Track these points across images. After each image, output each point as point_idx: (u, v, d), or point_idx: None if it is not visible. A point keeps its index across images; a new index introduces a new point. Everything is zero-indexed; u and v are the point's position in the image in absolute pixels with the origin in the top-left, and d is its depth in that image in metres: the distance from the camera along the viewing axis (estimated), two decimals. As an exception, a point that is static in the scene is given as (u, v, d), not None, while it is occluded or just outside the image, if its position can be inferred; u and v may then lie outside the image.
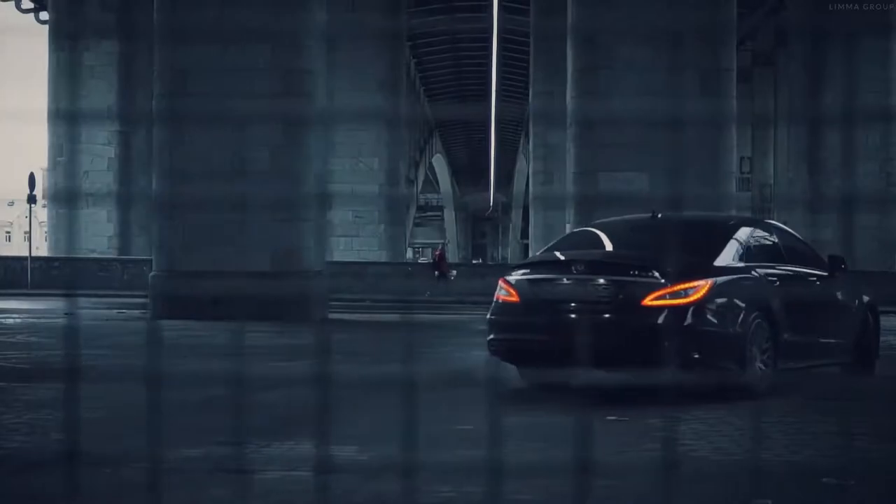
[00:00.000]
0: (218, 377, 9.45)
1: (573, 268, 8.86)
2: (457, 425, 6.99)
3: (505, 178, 77.24)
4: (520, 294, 8.91)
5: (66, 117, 39.03)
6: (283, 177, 21.76)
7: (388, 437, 6.44)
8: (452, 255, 79.58)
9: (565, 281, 8.81)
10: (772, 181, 48.07)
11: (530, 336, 8.85)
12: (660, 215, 9.86)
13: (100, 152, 38.11)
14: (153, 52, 23.29)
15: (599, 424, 7.07)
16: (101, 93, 38.00)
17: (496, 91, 54.90)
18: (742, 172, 47.81)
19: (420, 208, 74.60)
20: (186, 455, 5.78)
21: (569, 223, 22.74)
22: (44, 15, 42.98)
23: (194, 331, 16.84)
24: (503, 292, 9.08)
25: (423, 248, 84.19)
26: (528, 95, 47.18)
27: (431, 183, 75.56)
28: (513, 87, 59.43)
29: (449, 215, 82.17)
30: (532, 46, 37.77)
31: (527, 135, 57.38)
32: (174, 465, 5.46)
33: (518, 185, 71.53)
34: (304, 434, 6.55)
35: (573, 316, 8.56)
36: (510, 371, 9.55)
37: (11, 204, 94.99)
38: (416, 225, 79.84)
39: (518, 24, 44.25)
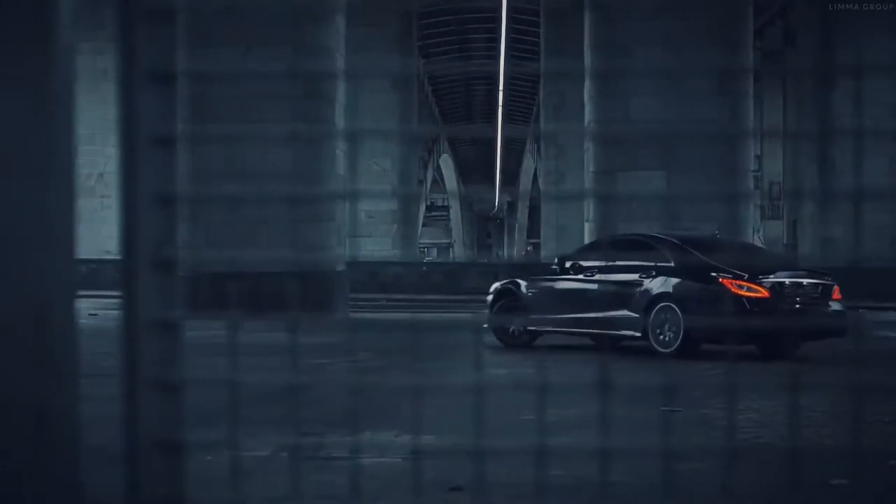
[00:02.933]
0: (261, 374, 9.65)
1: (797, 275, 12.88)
2: (520, 416, 7.19)
3: (511, 177, 77.43)
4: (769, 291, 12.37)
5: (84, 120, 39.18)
6: (305, 177, 22.02)
7: (458, 427, 6.64)
8: (459, 255, 79.77)
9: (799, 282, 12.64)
10: (780, 179, 48.24)
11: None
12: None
13: (115, 154, 38.27)
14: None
15: (657, 415, 7.27)
16: (115, 95, 38.16)
17: (503, 92, 55.00)
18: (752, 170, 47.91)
19: (427, 208, 74.80)
20: (277, 444, 5.99)
21: (588, 221, 22.94)
22: None
23: (219, 330, 16.98)
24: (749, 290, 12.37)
25: (428, 248, 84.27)
26: (535, 94, 47.39)
27: (438, 183, 75.72)
28: (520, 87, 59.55)
29: (455, 215, 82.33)
30: (542, 48, 37.93)
31: (535, 134, 57.58)
32: (268, 455, 5.67)
33: (524, 184, 71.65)
34: (378, 425, 6.76)
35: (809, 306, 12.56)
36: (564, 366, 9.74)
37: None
38: (423, 225, 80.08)
39: (527, 12, 44.28)
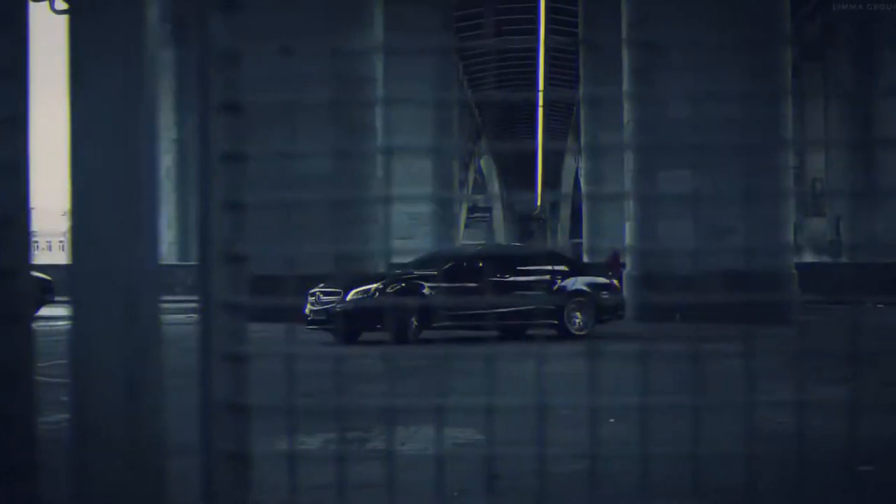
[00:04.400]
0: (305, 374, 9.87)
1: None
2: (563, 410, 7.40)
3: (553, 176, 77.50)
4: None
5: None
6: (346, 180, 22.35)
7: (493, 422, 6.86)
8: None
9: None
10: (822, 176, 48.11)
11: None
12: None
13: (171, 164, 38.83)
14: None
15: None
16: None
17: (543, 90, 55.14)
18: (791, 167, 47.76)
19: (469, 210, 74.97)
20: (322, 438, 6.25)
21: (628, 221, 23.07)
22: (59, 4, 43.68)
23: (259, 333, 17.32)
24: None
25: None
26: (575, 92, 47.48)
27: (479, 184, 75.94)
28: (560, 80, 59.58)
29: (497, 216, 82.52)
30: (580, 47, 38.03)
31: (575, 133, 57.66)
32: (311, 448, 5.93)
33: (566, 184, 71.73)
34: (417, 421, 7.00)
35: None
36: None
37: (65, 214, 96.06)
38: (466, 226, 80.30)
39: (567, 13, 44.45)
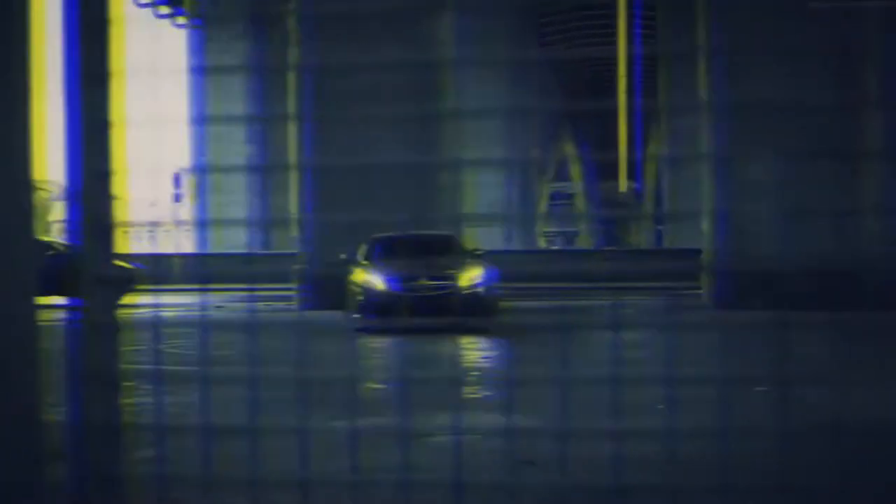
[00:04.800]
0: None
1: None
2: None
3: (637, 164, 76.83)
4: None
5: (208, 120, 40.07)
6: (417, 170, 22.35)
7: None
8: (585, 243, 79.54)
9: None
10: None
11: None
12: None
13: (241, 151, 39.13)
14: (288, 51, 23.98)
15: (748, 394, 7.28)
16: (239, 93, 38.98)
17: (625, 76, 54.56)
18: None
19: (551, 197, 74.62)
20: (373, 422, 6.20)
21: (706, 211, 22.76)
22: (162, 9, 44.34)
23: (338, 321, 17.41)
24: None
25: (554, 236, 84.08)
26: (655, 75, 47.00)
27: (562, 172, 75.56)
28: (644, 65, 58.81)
29: (580, 204, 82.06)
30: (660, 33, 37.62)
31: (659, 120, 57.04)
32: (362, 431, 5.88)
33: (650, 171, 71.06)
34: (472, 407, 6.92)
35: None
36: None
37: (154, 204, 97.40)
38: (549, 215, 79.86)
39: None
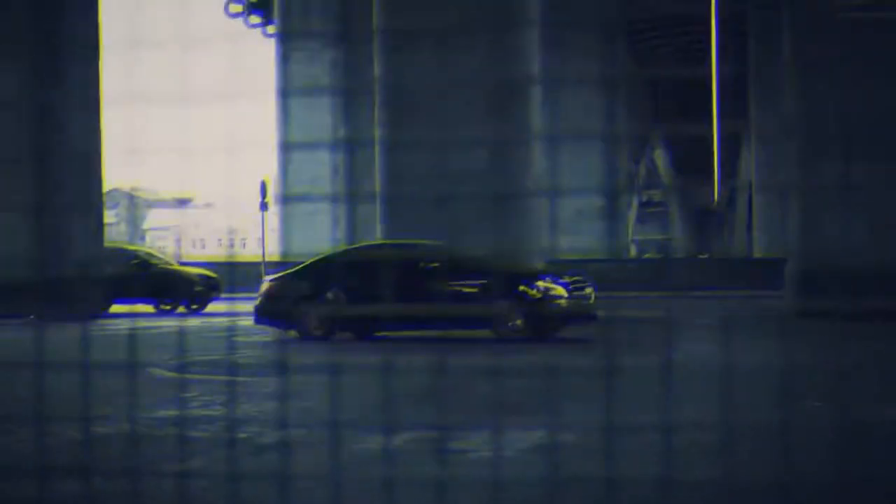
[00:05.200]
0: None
1: None
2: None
3: (730, 168, 75.91)
4: None
5: (296, 137, 40.32)
6: (501, 175, 22.23)
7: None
8: (678, 250, 78.81)
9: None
10: None
11: None
12: None
13: (326, 160, 39.36)
14: (373, 61, 24.00)
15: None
16: (325, 103, 39.20)
17: (717, 79, 54.01)
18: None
19: (643, 204, 74.04)
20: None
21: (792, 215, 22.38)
22: (253, 19, 44.83)
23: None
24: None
25: (644, 243, 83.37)
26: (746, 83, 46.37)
27: (654, 177, 74.95)
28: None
29: (672, 210, 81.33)
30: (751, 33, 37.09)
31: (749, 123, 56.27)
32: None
33: (744, 175, 70.14)
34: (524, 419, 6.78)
35: None
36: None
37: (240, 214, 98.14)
38: (640, 221, 79.27)
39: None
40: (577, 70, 33.80)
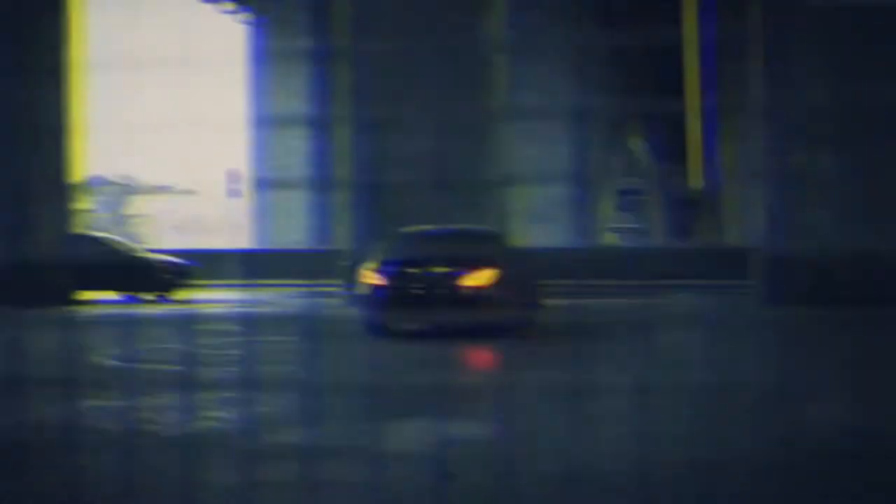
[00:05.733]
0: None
1: None
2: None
3: (712, 156, 75.74)
4: None
5: (267, 120, 40.07)
6: (475, 164, 22.14)
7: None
8: (657, 240, 78.67)
9: None
10: None
11: None
12: None
13: (297, 147, 39.18)
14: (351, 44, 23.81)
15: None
16: (297, 87, 39.01)
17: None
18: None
19: (621, 193, 73.80)
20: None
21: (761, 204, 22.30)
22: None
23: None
24: None
25: (620, 232, 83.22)
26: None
27: (631, 166, 74.75)
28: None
29: (651, 199, 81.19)
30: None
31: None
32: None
33: (727, 166, 69.97)
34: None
35: None
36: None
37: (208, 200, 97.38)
38: (620, 209, 79.04)
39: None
40: (542, 41, 33.56)
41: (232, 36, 42.95)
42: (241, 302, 24.50)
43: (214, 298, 25.56)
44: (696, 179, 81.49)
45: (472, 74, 22.56)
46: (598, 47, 44.11)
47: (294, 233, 38.77)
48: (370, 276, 14.66)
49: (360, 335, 14.50)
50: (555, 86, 35.05)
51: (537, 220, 33.98)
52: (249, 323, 17.63)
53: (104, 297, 25.59)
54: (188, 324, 17.83)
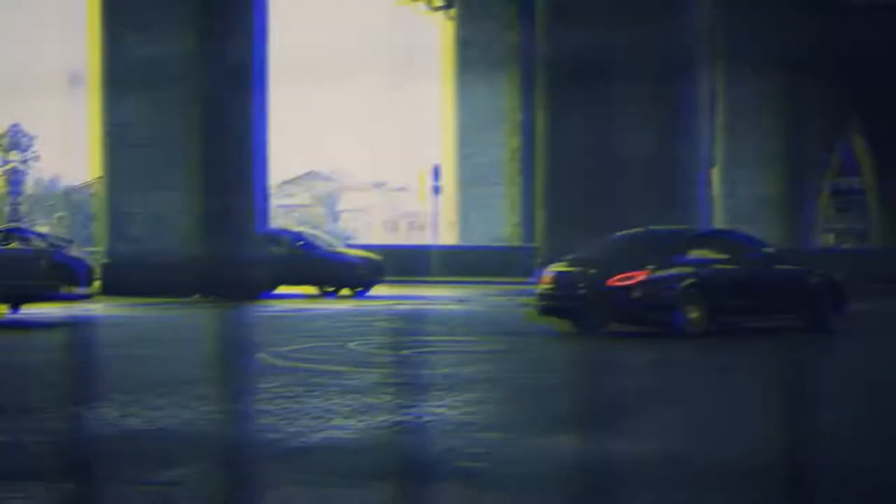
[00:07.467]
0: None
1: None
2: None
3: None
4: None
5: (471, 116, 39.94)
6: (661, 169, 21.44)
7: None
8: (876, 242, 75.54)
9: None
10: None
11: None
12: None
13: (502, 142, 38.93)
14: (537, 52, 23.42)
15: None
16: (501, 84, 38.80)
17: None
18: None
19: (838, 193, 71.09)
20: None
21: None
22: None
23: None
24: None
25: (838, 233, 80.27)
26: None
27: (852, 163, 71.88)
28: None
29: (871, 199, 78.02)
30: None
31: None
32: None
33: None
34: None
35: None
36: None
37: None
38: (839, 210, 76.30)
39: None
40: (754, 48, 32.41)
41: (438, 34, 42.92)
42: (434, 299, 24.29)
43: (406, 295, 25.44)
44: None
45: (670, 75, 21.80)
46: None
47: (497, 230, 38.56)
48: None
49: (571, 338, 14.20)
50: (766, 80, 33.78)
51: (746, 220, 32.75)
52: (445, 322, 17.38)
53: (300, 292, 25.80)
54: (369, 320, 17.70)
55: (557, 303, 14.53)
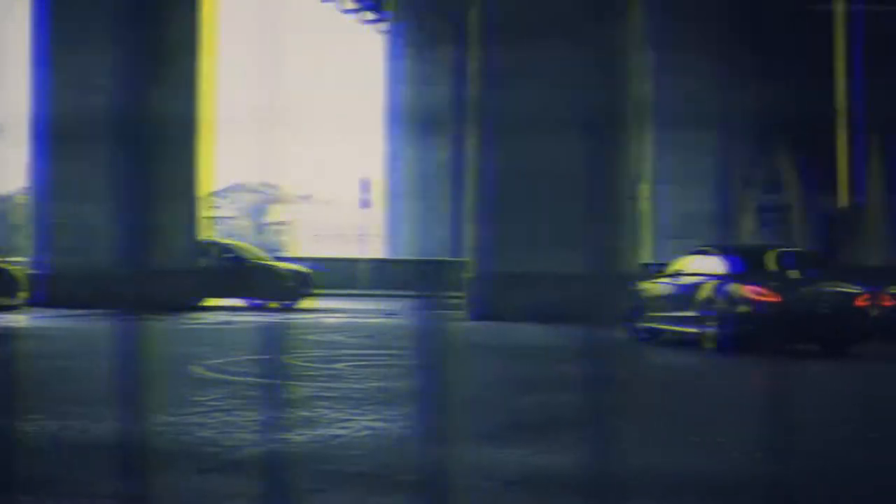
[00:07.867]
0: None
1: None
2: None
3: (860, 174, 73.48)
4: None
5: (401, 128, 39.97)
6: (598, 180, 21.50)
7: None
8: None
9: None
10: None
11: None
12: None
13: (433, 158, 38.95)
14: (475, 56, 23.46)
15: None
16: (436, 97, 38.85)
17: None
18: None
19: (763, 209, 72.06)
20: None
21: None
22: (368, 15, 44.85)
23: (511, 331, 16.99)
24: None
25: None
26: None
27: (775, 182, 72.87)
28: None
29: (795, 215, 79.12)
30: None
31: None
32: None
33: (875, 184, 67.69)
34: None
35: None
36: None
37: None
38: (763, 226, 77.24)
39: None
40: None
41: (371, 46, 43.00)
42: (364, 312, 24.24)
43: (335, 308, 25.38)
44: (842, 196, 79.18)
45: (601, 89, 21.93)
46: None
47: (423, 242, 38.55)
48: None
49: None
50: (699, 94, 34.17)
51: (671, 236, 33.09)
52: (379, 334, 17.38)
53: (228, 305, 25.63)
54: (298, 332, 17.62)
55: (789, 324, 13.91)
